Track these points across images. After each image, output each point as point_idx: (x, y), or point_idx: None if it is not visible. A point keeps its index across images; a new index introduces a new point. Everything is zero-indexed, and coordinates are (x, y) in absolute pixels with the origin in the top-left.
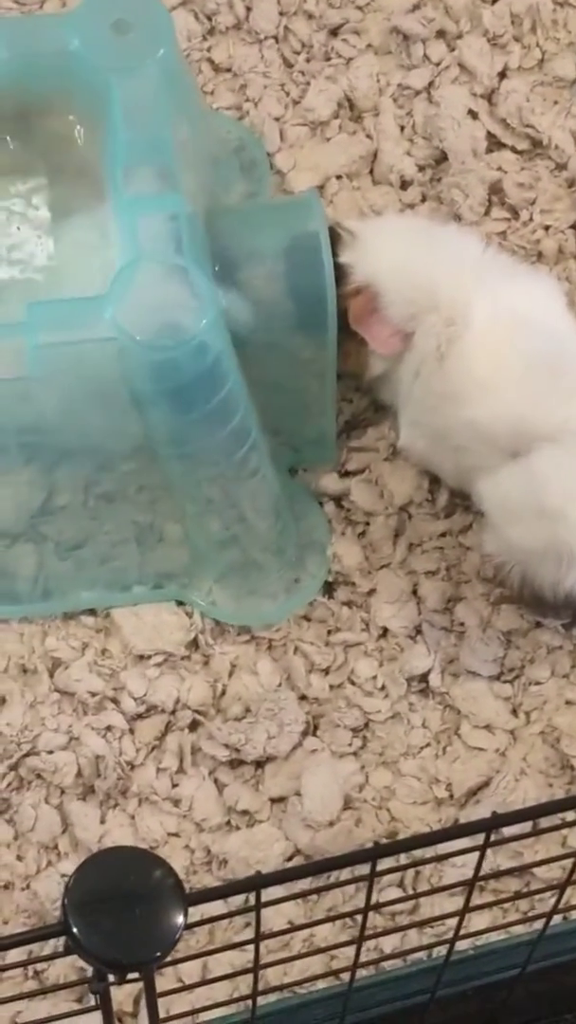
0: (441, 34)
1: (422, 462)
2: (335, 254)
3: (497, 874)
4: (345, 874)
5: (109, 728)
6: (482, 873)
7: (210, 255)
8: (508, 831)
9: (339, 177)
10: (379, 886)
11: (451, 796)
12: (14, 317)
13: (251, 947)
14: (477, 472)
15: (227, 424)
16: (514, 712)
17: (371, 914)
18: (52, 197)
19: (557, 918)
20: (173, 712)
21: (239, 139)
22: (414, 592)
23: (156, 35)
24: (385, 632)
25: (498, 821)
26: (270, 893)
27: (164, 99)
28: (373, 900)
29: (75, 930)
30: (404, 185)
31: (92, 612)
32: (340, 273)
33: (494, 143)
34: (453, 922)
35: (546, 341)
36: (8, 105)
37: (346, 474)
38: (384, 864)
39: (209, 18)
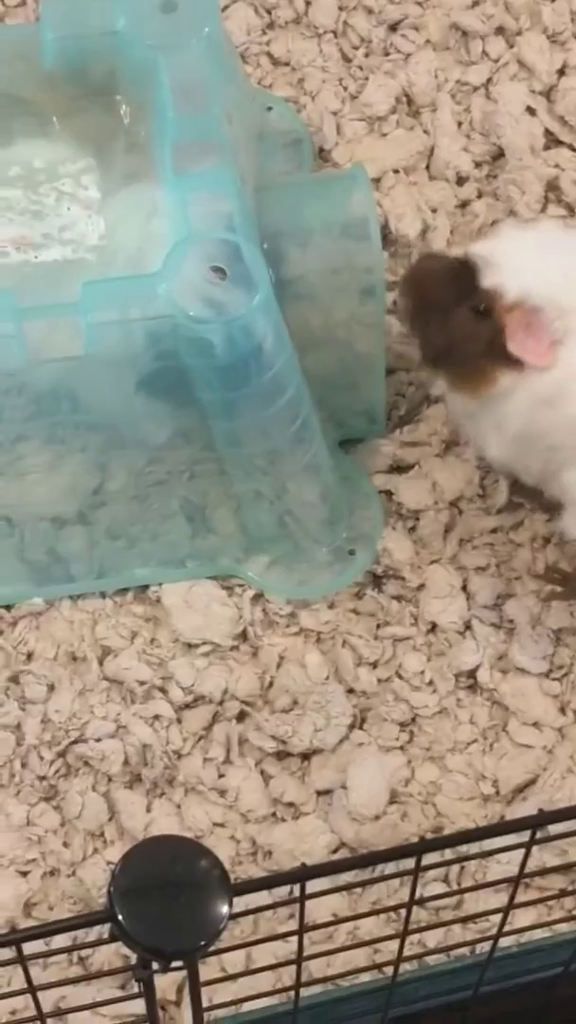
0: (500, 31)
1: (507, 467)
2: (475, 282)
3: (542, 872)
4: (390, 868)
5: (157, 717)
6: (527, 871)
7: (259, 231)
8: (554, 829)
9: (396, 172)
10: (423, 881)
11: (497, 792)
12: (69, 297)
13: (295, 938)
14: (561, 464)
15: (278, 399)
16: (562, 710)
17: (415, 909)
18: (101, 177)
19: None
20: (221, 703)
21: (281, 116)
22: (464, 588)
23: (202, 13)
24: (434, 627)
25: (544, 819)
26: (315, 885)
27: (211, 77)
28: (417, 895)
29: (120, 917)
30: (460, 181)
31: (142, 600)
32: (489, 298)
33: (552, 140)
34: (497, 918)
35: None
36: (55, 86)
37: (397, 469)
38: (429, 859)
39: (269, 12)
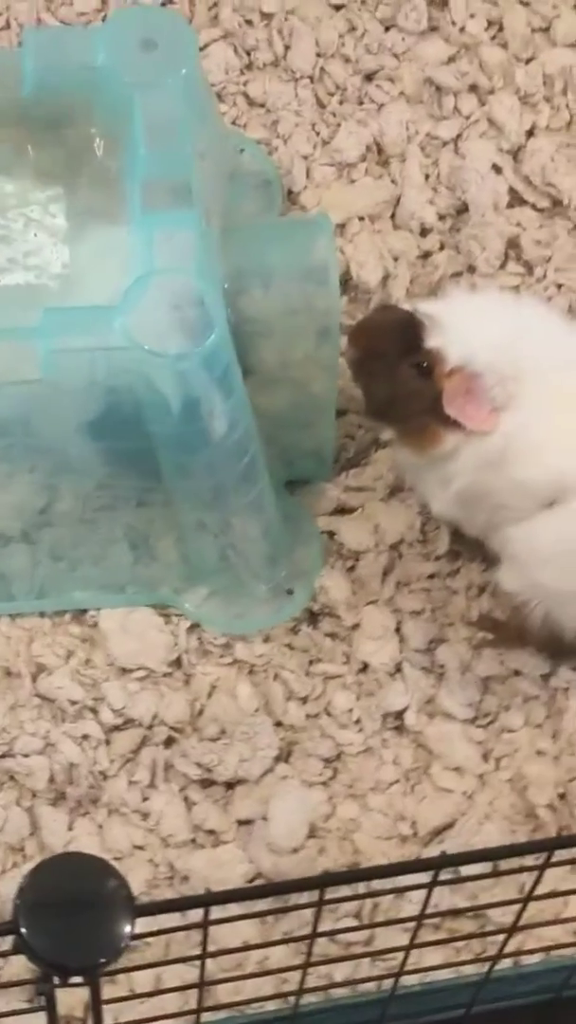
0: (474, 88)
1: (453, 521)
2: (420, 340)
3: (443, 913)
4: (304, 899)
5: (85, 737)
6: (437, 911)
7: (223, 269)
8: (466, 871)
9: (361, 219)
10: (337, 916)
11: (415, 834)
12: (29, 321)
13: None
14: (503, 520)
15: (228, 437)
16: (484, 757)
17: (328, 943)
18: (69, 206)
19: (507, 962)
20: (150, 727)
21: (253, 157)
22: (397, 630)
23: (180, 53)
24: (365, 667)
25: (448, 860)
26: (227, 911)
27: (185, 116)
28: (329, 928)
29: (23, 930)
30: (424, 232)
31: (80, 622)
32: (431, 358)
33: (516, 199)
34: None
35: None
36: (32, 114)
37: (341, 511)
38: (341, 893)
39: (248, 53)
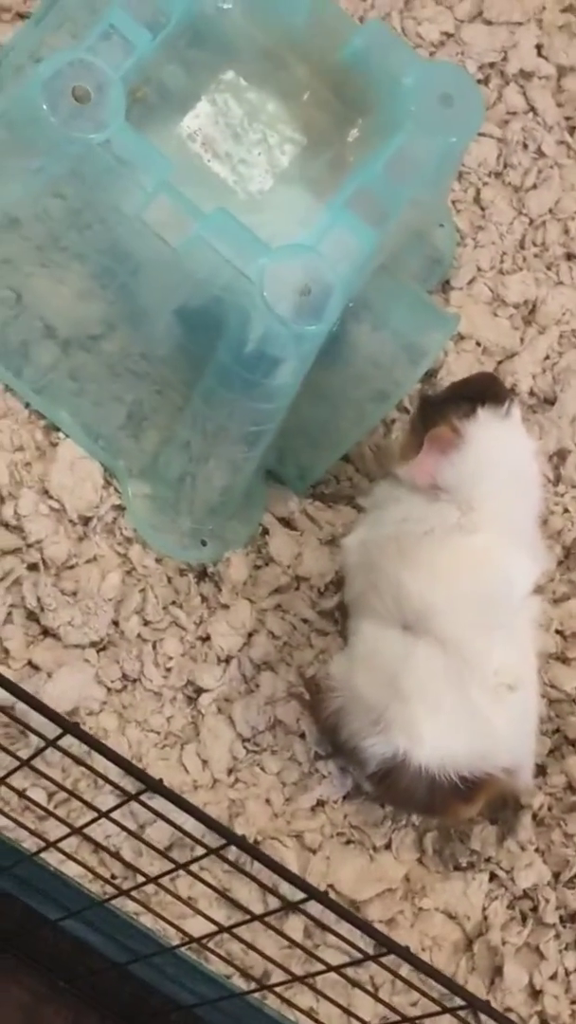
0: None
1: (343, 566)
2: (485, 403)
3: None
4: None
5: None
6: None
7: (357, 290)
8: None
9: (479, 344)
10: None
11: None
12: (205, 206)
13: None
14: (369, 611)
15: (265, 403)
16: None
17: None
18: (298, 158)
19: None
20: (28, 547)
21: (443, 237)
22: (250, 635)
23: (465, 122)
24: (207, 638)
25: None
26: None
27: (429, 169)
28: None
29: None
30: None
31: (47, 434)
32: (463, 421)
33: None
34: None
35: (505, 590)
36: (330, 75)
37: (286, 522)
38: None
39: (506, 164)
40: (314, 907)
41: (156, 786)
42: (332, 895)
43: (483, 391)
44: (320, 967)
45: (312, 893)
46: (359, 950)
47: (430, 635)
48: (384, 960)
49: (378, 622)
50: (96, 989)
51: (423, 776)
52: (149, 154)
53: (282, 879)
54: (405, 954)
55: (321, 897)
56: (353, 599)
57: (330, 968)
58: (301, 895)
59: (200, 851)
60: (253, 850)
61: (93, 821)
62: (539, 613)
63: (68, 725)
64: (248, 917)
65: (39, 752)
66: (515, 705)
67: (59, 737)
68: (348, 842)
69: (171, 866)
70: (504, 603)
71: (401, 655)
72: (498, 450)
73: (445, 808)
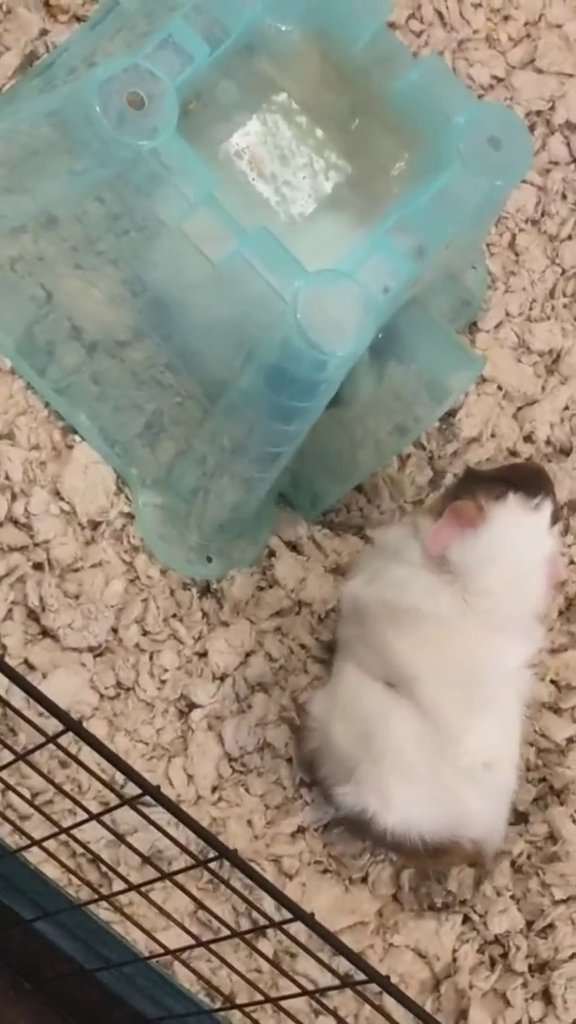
0: None
1: (342, 607)
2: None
3: None
4: None
5: None
6: None
7: (387, 323)
8: None
9: (500, 388)
10: None
11: None
12: (243, 221)
13: None
14: (356, 658)
15: (280, 424)
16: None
17: None
18: (342, 184)
19: None
20: (35, 547)
21: (475, 279)
22: (248, 655)
23: (511, 167)
24: (204, 654)
25: None
26: None
27: (472, 210)
28: None
29: None
30: (527, 440)
31: (65, 435)
32: (490, 502)
33: None
34: None
35: (492, 672)
36: (382, 104)
37: (292, 547)
38: None
39: (543, 212)
40: (292, 930)
41: (155, 793)
42: None
43: (523, 478)
44: (292, 989)
45: (299, 915)
46: (338, 976)
47: (412, 699)
48: (360, 988)
49: (363, 670)
50: (61, 994)
51: (389, 835)
52: (196, 166)
53: (271, 898)
54: (386, 984)
55: (307, 920)
56: (343, 641)
57: (304, 992)
58: (278, 916)
59: (178, 865)
60: (245, 866)
61: (83, 822)
62: (528, 689)
63: (72, 723)
64: (227, 933)
65: (39, 747)
66: (489, 783)
67: (60, 734)
68: (325, 871)
69: (152, 876)
70: (490, 684)
71: (380, 712)
72: (515, 541)
73: (411, 861)
